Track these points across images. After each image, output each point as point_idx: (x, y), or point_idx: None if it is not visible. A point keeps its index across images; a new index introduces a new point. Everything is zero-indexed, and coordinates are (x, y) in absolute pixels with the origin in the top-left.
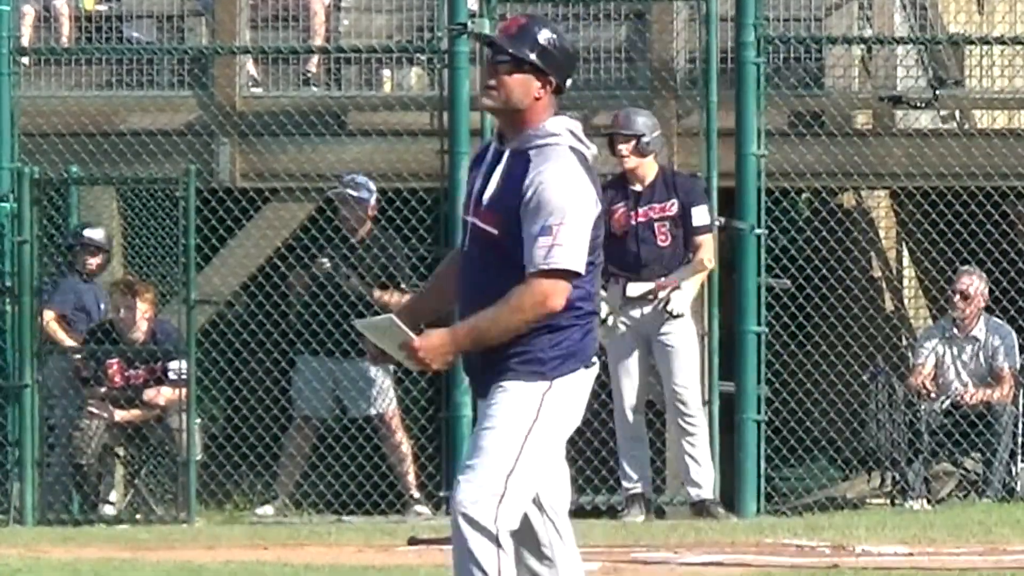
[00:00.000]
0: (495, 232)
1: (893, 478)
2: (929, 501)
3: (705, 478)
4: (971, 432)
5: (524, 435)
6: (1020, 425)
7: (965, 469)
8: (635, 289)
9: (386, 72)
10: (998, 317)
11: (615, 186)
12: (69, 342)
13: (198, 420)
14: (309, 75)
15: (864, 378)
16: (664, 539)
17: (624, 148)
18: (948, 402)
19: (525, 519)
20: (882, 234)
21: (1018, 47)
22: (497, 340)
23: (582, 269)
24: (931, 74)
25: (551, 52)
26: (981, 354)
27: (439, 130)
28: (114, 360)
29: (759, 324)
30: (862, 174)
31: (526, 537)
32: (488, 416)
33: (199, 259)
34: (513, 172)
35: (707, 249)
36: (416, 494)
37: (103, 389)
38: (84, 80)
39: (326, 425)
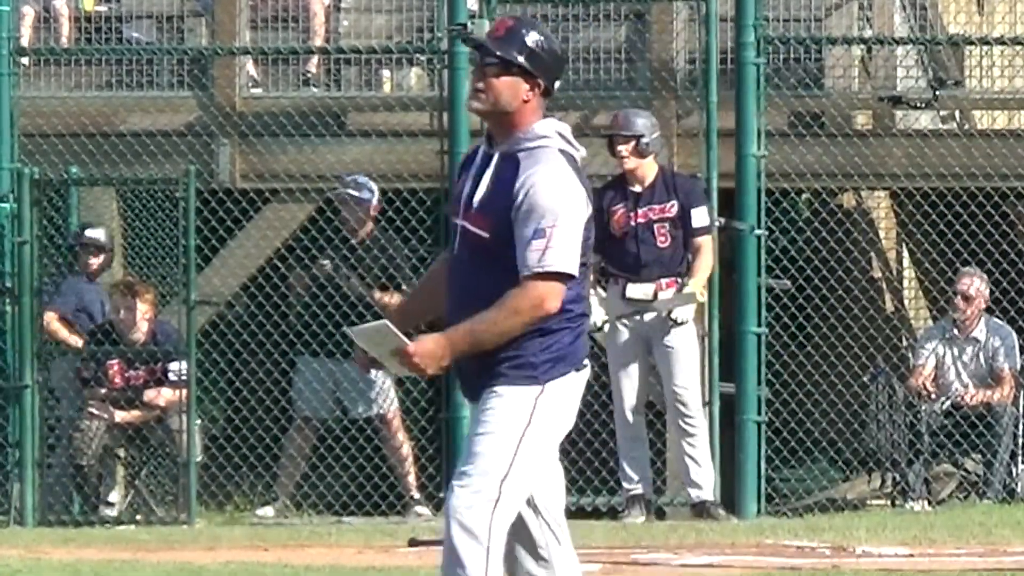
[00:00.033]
0: (485, 235)
1: (893, 479)
2: (930, 502)
3: (705, 479)
4: (971, 433)
5: (518, 440)
6: (1020, 426)
7: (966, 470)
8: (635, 290)
9: (386, 73)
10: (998, 318)
11: (614, 187)
12: (75, 342)
13: (198, 421)
14: (309, 76)
15: (864, 379)
16: (664, 540)
17: (624, 149)
18: (948, 403)
19: (521, 521)
20: (882, 235)
21: (1018, 47)
22: (492, 344)
23: (576, 271)
24: (931, 74)
25: (539, 54)
26: (981, 355)
27: (439, 131)
28: (114, 361)
29: (759, 325)
30: (862, 175)
31: (522, 539)
32: (482, 421)
33: (199, 260)
34: (503, 175)
35: (707, 251)
36: (416, 495)
37: (103, 390)
38: (84, 81)
39: (326, 426)
